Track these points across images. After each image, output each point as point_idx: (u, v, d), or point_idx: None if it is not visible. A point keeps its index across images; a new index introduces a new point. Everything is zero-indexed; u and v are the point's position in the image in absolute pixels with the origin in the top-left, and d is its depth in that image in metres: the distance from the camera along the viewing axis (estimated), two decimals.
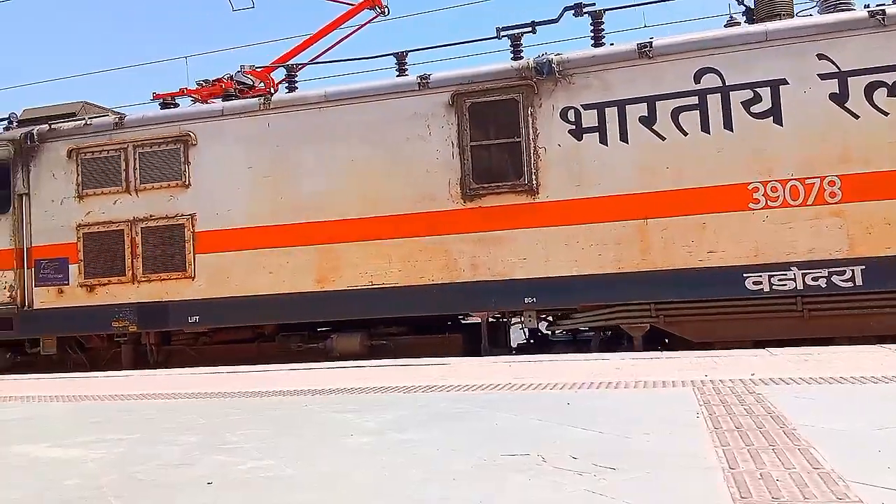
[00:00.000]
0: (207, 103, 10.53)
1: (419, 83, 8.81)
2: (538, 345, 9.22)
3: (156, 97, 11.06)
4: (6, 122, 11.29)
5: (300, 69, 10.65)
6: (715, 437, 3.25)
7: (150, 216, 9.60)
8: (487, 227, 8.47)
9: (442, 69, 9.10)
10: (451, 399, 4.86)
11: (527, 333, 9.59)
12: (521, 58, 8.99)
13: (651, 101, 8.02)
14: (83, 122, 10.09)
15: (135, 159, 9.70)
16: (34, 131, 10.22)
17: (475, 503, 2.52)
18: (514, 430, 3.74)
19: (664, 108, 7.98)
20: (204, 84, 11.04)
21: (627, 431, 3.48)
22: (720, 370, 5.50)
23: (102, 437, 4.26)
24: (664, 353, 7.48)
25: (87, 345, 10.24)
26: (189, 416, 4.89)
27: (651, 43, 8.11)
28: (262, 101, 9.42)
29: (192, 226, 9.44)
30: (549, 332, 9.49)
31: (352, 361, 8.22)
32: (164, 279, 9.51)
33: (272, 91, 10.83)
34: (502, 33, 9.50)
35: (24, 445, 4.18)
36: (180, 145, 9.56)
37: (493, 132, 8.57)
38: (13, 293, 10.17)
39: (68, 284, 9.90)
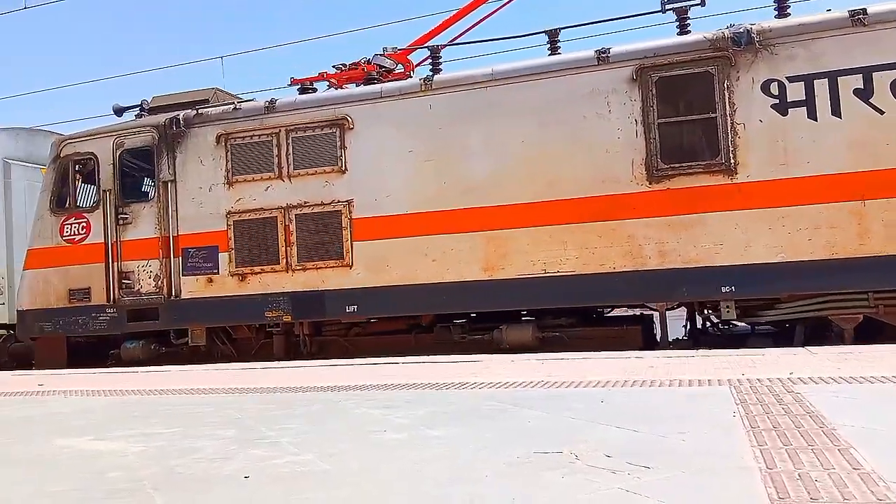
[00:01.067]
0: (344, 88, 10.19)
1: (597, 58, 8.28)
2: (727, 339, 8.62)
3: (294, 82, 10.74)
4: (138, 108, 11.14)
5: (442, 49, 10.23)
6: (752, 436, 3.17)
7: (305, 203, 9.26)
8: (677, 210, 7.90)
9: (589, 48, 8.54)
10: (483, 396, 4.79)
11: (687, 327, 9.03)
12: (688, 32, 8.45)
13: (867, 73, 7.35)
14: (232, 106, 9.80)
15: (287, 144, 9.36)
16: (180, 116, 9.96)
17: (508, 500, 2.47)
18: (546, 427, 3.69)
19: (883, 80, 7.31)
20: (342, 68, 10.70)
21: (662, 430, 3.40)
22: (758, 369, 5.31)
23: (143, 430, 4.31)
24: (699, 351, 6.93)
25: (234, 335, 9.98)
26: (227, 410, 4.91)
27: (865, 10, 7.44)
28: (423, 81, 9.00)
29: (350, 212, 9.07)
30: (711, 325, 8.91)
31: (379, 359, 7.93)
32: (319, 268, 9.17)
33: (410, 74, 10.44)
34: (667, 6, 8.95)
35: (67, 438, 4.19)
36: (336, 129, 9.18)
37: (684, 108, 8.00)
38: (159, 283, 9.95)
39: (218, 273, 9.63)
